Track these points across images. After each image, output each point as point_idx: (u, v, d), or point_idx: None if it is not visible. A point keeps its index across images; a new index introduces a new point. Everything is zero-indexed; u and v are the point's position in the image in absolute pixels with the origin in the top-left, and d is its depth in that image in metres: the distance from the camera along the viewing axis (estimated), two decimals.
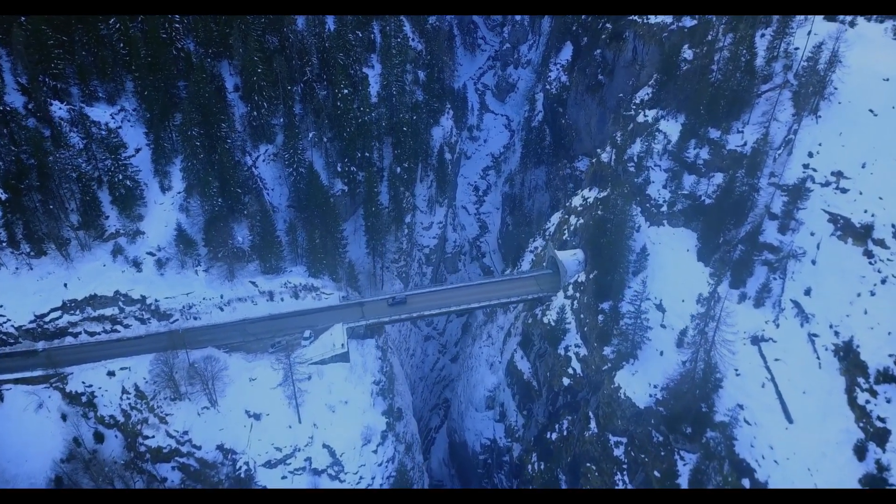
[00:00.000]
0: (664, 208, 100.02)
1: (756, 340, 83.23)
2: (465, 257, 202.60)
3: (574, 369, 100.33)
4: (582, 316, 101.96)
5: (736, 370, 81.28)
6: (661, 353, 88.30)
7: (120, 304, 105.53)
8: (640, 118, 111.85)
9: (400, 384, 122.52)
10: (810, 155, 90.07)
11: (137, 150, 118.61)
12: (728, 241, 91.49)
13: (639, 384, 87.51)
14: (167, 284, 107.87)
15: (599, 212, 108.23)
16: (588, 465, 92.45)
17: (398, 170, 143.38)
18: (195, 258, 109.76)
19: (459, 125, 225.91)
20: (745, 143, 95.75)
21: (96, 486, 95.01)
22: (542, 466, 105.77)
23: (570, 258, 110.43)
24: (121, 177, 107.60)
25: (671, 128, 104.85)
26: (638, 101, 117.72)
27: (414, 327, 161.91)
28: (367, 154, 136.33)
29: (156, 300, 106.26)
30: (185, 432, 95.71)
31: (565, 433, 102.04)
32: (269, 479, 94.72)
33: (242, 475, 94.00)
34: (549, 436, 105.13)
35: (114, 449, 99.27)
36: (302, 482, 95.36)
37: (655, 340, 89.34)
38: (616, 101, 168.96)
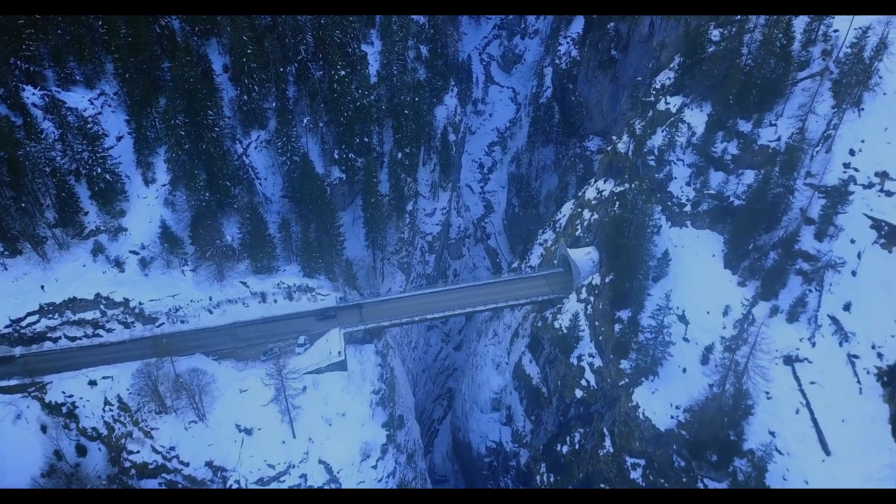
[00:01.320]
0: (687, 208, 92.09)
1: (790, 360, 76.20)
2: (469, 240, 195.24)
3: (588, 381, 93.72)
4: (597, 323, 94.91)
5: (767, 393, 74.44)
6: (684, 371, 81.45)
7: (101, 307, 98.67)
8: (661, 106, 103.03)
9: (401, 386, 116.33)
10: (852, 153, 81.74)
11: (119, 139, 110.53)
12: (759, 248, 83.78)
13: (659, 404, 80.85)
14: (152, 286, 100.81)
15: (616, 208, 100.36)
16: (602, 485, 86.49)
17: (399, 155, 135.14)
18: (182, 257, 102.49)
19: (464, 101, 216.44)
20: (778, 138, 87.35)
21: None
22: (552, 479, 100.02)
23: (584, 258, 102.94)
24: (100, 170, 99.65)
25: (696, 118, 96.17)
26: (658, 87, 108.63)
27: None
28: (366, 139, 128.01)
29: (140, 303, 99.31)
30: (172, 448, 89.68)
31: (577, 447, 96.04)
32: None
33: None
34: (559, 448, 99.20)
35: (97, 463, 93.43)
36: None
37: (678, 356, 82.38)
38: (630, 79, 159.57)
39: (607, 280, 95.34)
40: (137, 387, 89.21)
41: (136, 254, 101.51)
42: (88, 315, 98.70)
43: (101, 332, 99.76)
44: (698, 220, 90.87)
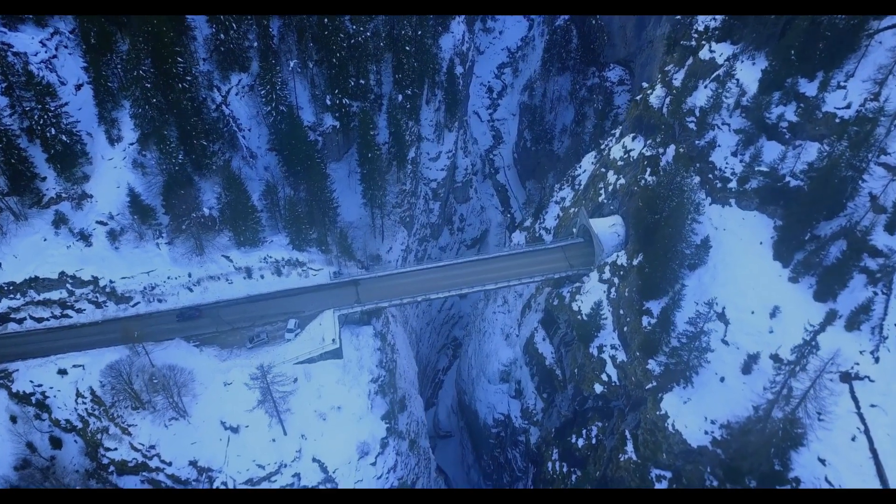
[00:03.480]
0: (733, 184, 79.36)
1: (847, 377, 66.14)
2: (476, 177, 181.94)
3: (609, 376, 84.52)
4: (622, 312, 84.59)
5: (819, 414, 64.86)
6: (722, 380, 71.76)
7: (68, 286, 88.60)
8: (705, 54, 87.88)
9: (403, 359, 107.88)
10: None
11: (79, 87, 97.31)
12: (817, 237, 71.90)
13: (692, 416, 71.75)
14: (123, 262, 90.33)
15: (648, 176, 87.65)
16: None
17: (400, 98, 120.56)
18: (156, 228, 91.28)
19: (472, 22, 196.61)
20: (848, 105, 73.28)
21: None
22: (566, 469, 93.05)
23: (608, 230, 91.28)
24: (54, 131, 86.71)
25: (747, 73, 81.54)
26: (701, 29, 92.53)
27: None
28: (361, 81, 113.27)
29: (111, 281, 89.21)
30: (153, 446, 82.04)
31: (594, 441, 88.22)
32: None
33: None
34: (574, 440, 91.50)
35: (74, 455, 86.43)
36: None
37: (715, 362, 72.45)
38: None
39: (635, 263, 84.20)
40: (109, 384, 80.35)
41: (104, 224, 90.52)
42: (54, 295, 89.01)
43: (70, 312, 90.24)
44: (745, 199, 78.36)
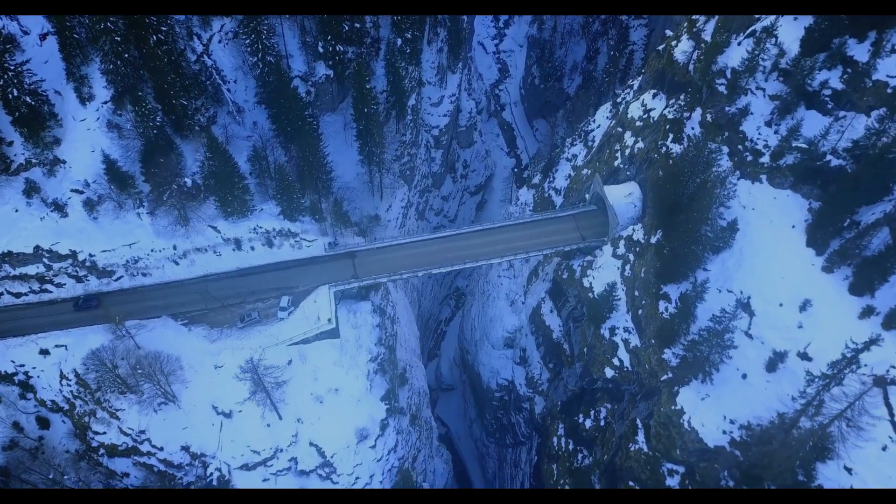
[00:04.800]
0: (765, 158, 71.85)
1: (881, 382, 61.04)
2: (481, 116, 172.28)
3: (621, 360, 79.92)
4: (637, 294, 79.02)
5: (849, 420, 60.41)
6: (745, 377, 66.92)
7: (45, 261, 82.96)
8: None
9: (405, 327, 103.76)
10: None
11: (43, 37, 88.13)
12: (856, 224, 65.30)
13: (709, 414, 67.43)
14: (103, 234, 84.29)
15: (670, 143, 80.00)
16: (631, 483, 76.14)
17: (399, 42, 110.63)
18: (136, 197, 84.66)
19: None
20: None
21: (46, 479, 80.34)
22: (571, 446, 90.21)
23: (624, 200, 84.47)
24: (16, 92, 78.62)
25: (787, 30, 72.23)
26: None
27: (421, 221, 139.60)
28: (356, 24, 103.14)
29: (90, 255, 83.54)
30: (142, 431, 78.81)
31: (602, 423, 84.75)
32: (249, 483, 79.65)
33: (215, 481, 78.66)
34: (581, 419, 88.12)
35: (63, 436, 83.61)
36: (287, 484, 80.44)
37: (737, 357, 67.38)
38: None
39: (653, 240, 77.93)
40: (94, 369, 76.06)
41: (80, 193, 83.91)
42: (31, 269, 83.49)
43: (49, 286, 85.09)
44: (778, 175, 71.06)
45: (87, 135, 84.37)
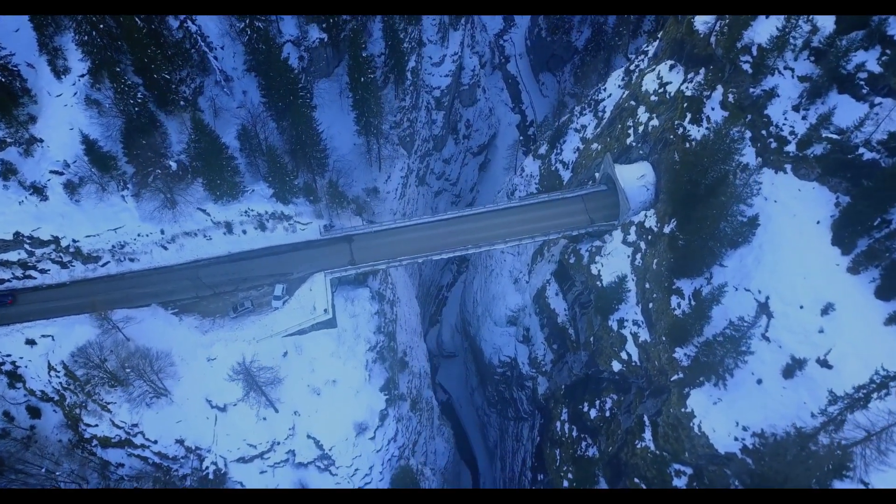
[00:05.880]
0: (791, 147, 66.69)
1: None
2: (484, 70, 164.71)
3: (629, 354, 76.87)
4: (647, 286, 75.28)
5: (867, 432, 57.71)
6: (760, 382, 63.81)
7: (26, 247, 79.06)
8: None
9: (405, 305, 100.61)
10: None
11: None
12: (888, 222, 60.90)
13: (721, 420, 64.66)
14: (86, 218, 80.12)
15: (688, 125, 74.67)
16: (636, 480, 74.33)
17: None
18: (119, 179, 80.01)
19: None
20: None
21: (41, 467, 78.99)
22: (575, 433, 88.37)
23: (636, 183, 79.71)
24: None
25: None
26: None
27: (422, 187, 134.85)
28: None
29: (74, 241, 79.61)
30: (135, 425, 76.67)
31: (608, 414, 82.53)
32: (246, 475, 78.23)
33: (211, 475, 77.07)
34: (585, 408, 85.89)
35: (55, 425, 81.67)
36: (285, 475, 79.00)
37: (753, 360, 63.98)
38: None
39: (666, 230, 73.66)
40: (81, 368, 73.25)
41: (60, 174, 79.32)
42: (12, 256, 79.64)
43: (33, 272, 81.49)
44: (804, 166, 66.08)
45: (65, 111, 79.11)
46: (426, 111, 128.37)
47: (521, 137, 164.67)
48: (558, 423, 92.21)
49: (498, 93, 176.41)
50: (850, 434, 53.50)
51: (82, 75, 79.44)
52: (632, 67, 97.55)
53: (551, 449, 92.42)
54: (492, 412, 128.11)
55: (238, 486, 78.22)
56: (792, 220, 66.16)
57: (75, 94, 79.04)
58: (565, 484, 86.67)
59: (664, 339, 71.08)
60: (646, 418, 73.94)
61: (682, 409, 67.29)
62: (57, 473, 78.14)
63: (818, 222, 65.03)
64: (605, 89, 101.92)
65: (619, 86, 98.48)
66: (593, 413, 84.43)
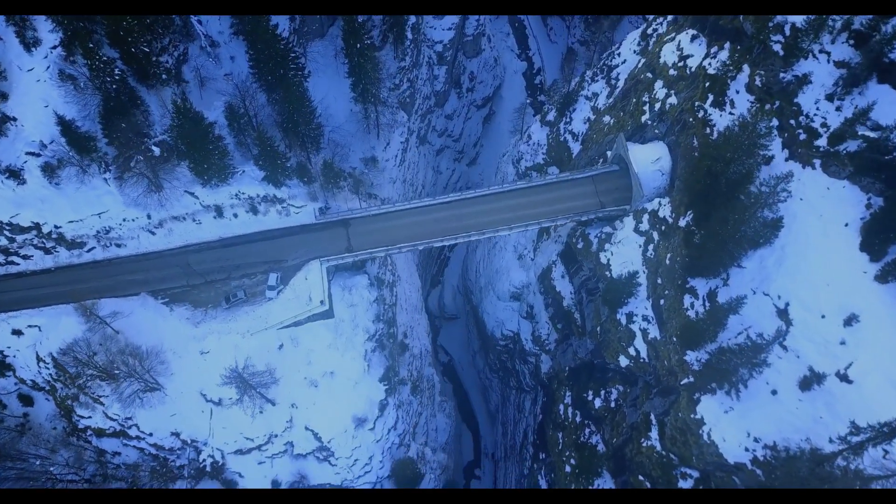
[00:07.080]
0: (822, 141, 61.44)
1: None
2: (490, 23, 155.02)
3: (637, 351, 73.99)
4: (659, 281, 71.56)
5: (886, 452, 55.51)
6: (775, 393, 61.05)
7: (6, 233, 75.22)
8: None
9: (405, 282, 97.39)
10: None
11: None
12: None
13: (732, 429, 62.36)
14: (68, 202, 75.90)
15: (709, 108, 69.16)
16: (640, 478, 72.99)
17: None
18: (100, 161, 75.22)
19: None
20: None
21: (38, 455, 78.03)
22: (579, 418, 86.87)
23: (651, 167, 74.79)
24: None
25: None
26: None
27: (423, 146, 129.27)
28: None
29: (56, 227, 75.74)
30: (129, 418, 74.97)
31: (613, 405, 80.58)
32: (244, 466, 77.21)
33: (209, 467, 75.97)
34: (590, 397, 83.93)
35: (48, 414, 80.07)
36: (284, 466, 77.98)
37: (768, 370, 61.21)
38: None
39: (681, 223, 69.37)
40: (71, 366, 70.75)
41: (37, 156, 74.64)
42: None
43: (16, 258, 77.88)
44: (835, 163, 61.02)
45: (38, 87, 73.52)
46: (427, 67, 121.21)
47: (529, 91, 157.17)
48: (561, 406, 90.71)
49: (503, 38, 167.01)
50: (871, 467, 51.11)
51: (54, 47, 73.39)
52: (649, 31, 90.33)
53: (554, 431, 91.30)
54: (493, 377, 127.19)
55: (237, 476, 77.35)
56: (818, 220, 61.73)
57: (48, 67, 73.23)
58: (567, 469, 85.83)
59: (675, 339, 68.06)
60: (653, 416, 71.92)
61: (692, 416, 65.02)
62: (53, 463, 76.97)
63: (846, 225, 60.62)
64: (619, 54, 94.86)
65: (635, 51, 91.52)
66: (598, 402, 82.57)
